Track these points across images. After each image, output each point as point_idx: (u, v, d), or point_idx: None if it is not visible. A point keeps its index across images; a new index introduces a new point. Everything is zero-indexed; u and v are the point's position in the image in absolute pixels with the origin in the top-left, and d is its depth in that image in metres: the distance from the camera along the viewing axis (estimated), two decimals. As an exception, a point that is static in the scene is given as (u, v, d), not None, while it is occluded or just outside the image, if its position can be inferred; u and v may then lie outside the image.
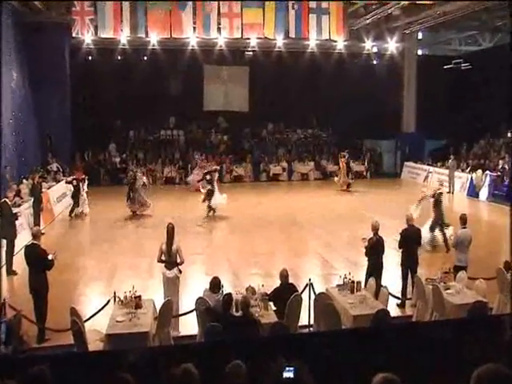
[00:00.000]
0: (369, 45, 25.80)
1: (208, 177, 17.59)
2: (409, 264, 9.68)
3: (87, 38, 22.22)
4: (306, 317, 8.40)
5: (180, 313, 8.53)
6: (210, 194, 17.24)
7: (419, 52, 28.01)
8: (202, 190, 17.83)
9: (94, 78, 24.98)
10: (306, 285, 8.64)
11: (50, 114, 21.39)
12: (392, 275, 10.33)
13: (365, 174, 27.64)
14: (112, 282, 10.75)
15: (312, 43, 24.40)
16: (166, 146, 28.24)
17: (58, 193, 18.84)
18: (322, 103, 27.24)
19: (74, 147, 24.51)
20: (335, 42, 24.38)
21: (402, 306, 9.51)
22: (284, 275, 8.12)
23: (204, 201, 17.33)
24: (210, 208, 17.22)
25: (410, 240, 9.67)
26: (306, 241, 14.67)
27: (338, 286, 8.53)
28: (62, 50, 22.39)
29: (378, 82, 26.25)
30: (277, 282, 8.29)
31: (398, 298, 9.43)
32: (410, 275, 9.65)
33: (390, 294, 8.43)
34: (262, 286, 8.10)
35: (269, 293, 7.93)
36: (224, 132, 29.68)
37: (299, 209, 18.56)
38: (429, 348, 4.75)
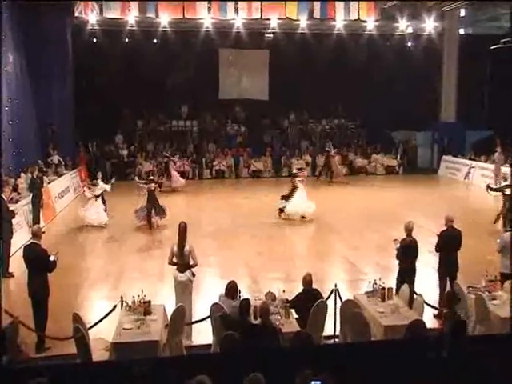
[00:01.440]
0: (403, 25, 25.57)
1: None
2: (447, 270, 9.56)
3: (91, 18, 22.40)
4: (331, 326, 8.36)
5: (193, 320, 8.55)
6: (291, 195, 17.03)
7: (461, 31, 27.41)
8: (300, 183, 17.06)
9: (99, 62, 25.17)
10: (332, 291, 8.61)
11: (50, 101, 21.54)
12: (428, 282, 10.24)
13: (397, 169, 27.46)
14: (119, 286, 10.84)
15: (339, 24, 24.29)
16: (177, 137, 28.40)
17: (60, 188, 19.07)
18: (350, 91, 27.07)
19: (78, 138, 24.75)
20: (365, 22, 24.26)
21: (439, 316, 9.39)
22: (307, 280, 8.10)
23: (283, 198, 16.97)
24: (280, 210, 16.98)
25: (448, 243, 9.54)
26: (332, 242, 14.63)
27: (367, 292, 8.47)
28: (64, 32, 22.52)
29: (413, 67, 26.03)
30: (299, 288, 8.27)
31: (434, 307, 9.32)
32: (448, 282, 9.53)
33: (425, 302, 8.33)
34: (283, 291, 8.10)
35: (290, 299, 7.93)
36: (241, 122, 29.73)
37: (324, 207, 18.46)
38: (470, 365, 4.70)
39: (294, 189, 17.04)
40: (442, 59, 27.04)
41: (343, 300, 8.37)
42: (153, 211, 15.69)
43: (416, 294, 8.60)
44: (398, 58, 26.27)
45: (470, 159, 25.20)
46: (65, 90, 22.76)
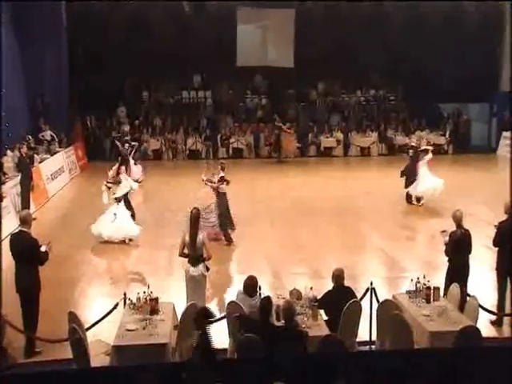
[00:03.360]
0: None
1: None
2: (508, 268, 9.39)
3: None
4: (365, 330, 8.37)
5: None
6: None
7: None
8: None
9: (98, 24, 25.14)
10: (367, 289, 8.61)
11: (42, 68, 21.60)
12: (483, 281, 10.12)
13: (446, 148, 27.09)
14: (121, 281, 10.93)
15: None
16: (189, 111, 28.42)
17: (52, 167, 19.21)
18: (390, 56, 26.78)
19: (73, 111, 24.84)
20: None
21: (497, 323, 9.27)
22: (338, 276, 8.08)
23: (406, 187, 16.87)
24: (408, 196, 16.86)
25: (509, 236, 9.37)
26: (367, 232, 14.55)
27: (409, 292, 8.42)
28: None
29: (466, 25, 25.56)
30: (329, 285, 8.26)
31: (491, 312, 9.17)
32: (509, 283, 9.39)
33: (480, 306, 8.22)
34: (311, 288, 8.08)
35: (318, 298, 7.92)
36: (262, 94, 29.64)
37: (358, 193, 18.40)
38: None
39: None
40: (503, 15, 26.46)
41: (380, 300, 8.33)
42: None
43: (469, 295, 8.49)
44: (448, 16, 25.82)
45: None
46: (59, 56, 22.79)
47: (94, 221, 13.58)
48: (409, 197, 16.93)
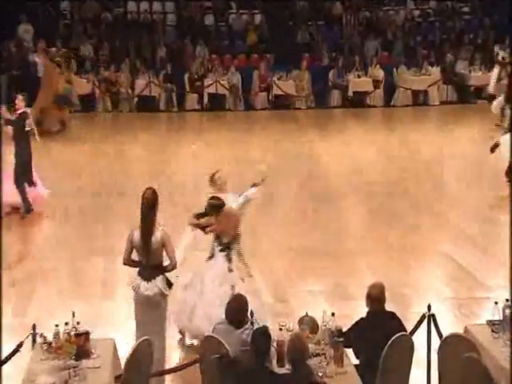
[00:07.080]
0: None
1: None
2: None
3: None
4: (421, 381, 8.48)
5: (167, 367, 8.63)
6: None
7: None
8: None
9: None
10: (422, 317, 8.67)
11: None
12: None
13: None
14: (29, 307, 10.96)
15: None
16: (138, 33, 28.41)
17: None
18: None
19: None
20: None
21: None
22: (376, 296, 8.11)
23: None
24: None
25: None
26: (424, 229, 14.60)
27: (492, 323, 8.44)
28: None
29: None
30: (361, 310, 8.35)
31: None
32: None
33: None
34: (332, 315, 8.10)
35: (345, 330, 7.97)
36: (254, 7, 29.66)
37: (409, 165, 18.48)
38: None
39: None
40: None
41: (444, 335, 8.36)
42: None
43: None
44: None
45: None
46: None
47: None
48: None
